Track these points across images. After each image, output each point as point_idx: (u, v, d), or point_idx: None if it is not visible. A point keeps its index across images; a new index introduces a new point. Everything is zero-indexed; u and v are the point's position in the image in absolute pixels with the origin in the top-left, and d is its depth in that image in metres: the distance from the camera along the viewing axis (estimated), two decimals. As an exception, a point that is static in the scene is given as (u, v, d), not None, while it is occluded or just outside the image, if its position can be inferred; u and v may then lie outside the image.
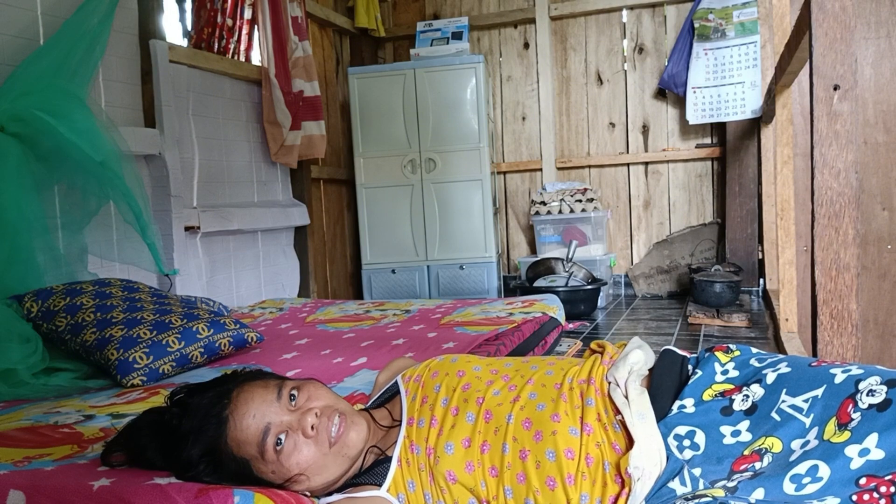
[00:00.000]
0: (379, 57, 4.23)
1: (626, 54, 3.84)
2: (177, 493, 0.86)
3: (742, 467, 0.80)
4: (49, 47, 2.04)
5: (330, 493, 0.98)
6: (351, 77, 3.61)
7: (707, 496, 0.77)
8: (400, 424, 1.03)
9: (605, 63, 3.88)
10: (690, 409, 0.89)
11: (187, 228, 2.64)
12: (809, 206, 1.29)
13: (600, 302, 3.40)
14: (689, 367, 0.98)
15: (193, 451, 0.90)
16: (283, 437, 0.90)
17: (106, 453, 0.99)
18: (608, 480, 0.87)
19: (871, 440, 0.72)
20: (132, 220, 2.22)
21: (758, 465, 0.79)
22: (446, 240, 3.61)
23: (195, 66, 2.78)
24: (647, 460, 0.84)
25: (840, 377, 0.81)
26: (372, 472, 0.98)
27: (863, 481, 0.71)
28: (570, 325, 2.98)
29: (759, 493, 0.75)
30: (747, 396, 0.87)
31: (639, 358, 0.98)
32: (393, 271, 3.66)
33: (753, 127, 3.46)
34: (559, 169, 3.98)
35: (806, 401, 0.81)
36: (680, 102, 3.67)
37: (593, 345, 1.11)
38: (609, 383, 0.95)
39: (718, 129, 3.67)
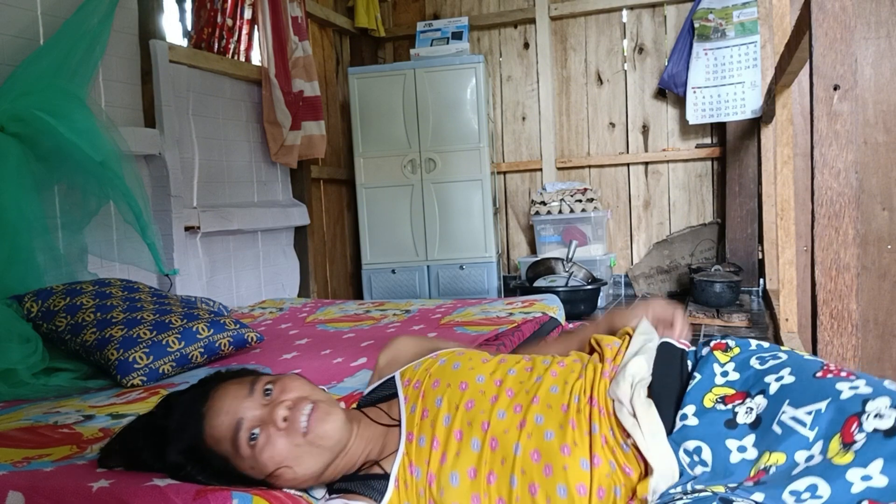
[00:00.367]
0: (379, 57, 4.23)
1: (626, 54, 3.84)
2: (175, 495, 0.86)
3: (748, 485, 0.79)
4: (49, 47, 2.04)
5: (330, 489, 0.97)
6: (351, 77, 3.61)
7: (707, 491, 0.77)
8: (398, 425, 1.01)
9: (605, 63, 3.88)
10: (693, 421, 0.86)
11: (187, 228, 2.64)
12: (809, 206, 1.29)
13: (600, 302, 3.40)
14: (689, 362, 0.97)
15: (177, 451, 0.91)
16: (257, 431, 0.90)
17: (103, 458, 0.99)
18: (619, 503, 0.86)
19: (876, 466, 0.70)
20: (132, 220, 2.22)
21: (763, 478, 0.78)
22: (446, 240, 3.61)
23: (195, 66, 2.78)
24: (663, 482, 0.82)
25: (847, 393, 0.78)
26: (369, 484, 0.96)
27: None
28: (570, 325, 2.98)
29: (758, 496, 0.74)
30: (751, 409, 0.84)
31: (639, 368, 0.95)
32: (393, 271, 3.66)
33: (753, 127, 3.46)
34: (559, 169, 3.98)
35: (809, 413, 0.79)
36: (680, 102, 3.67)
37: (592, 340, 1.08)
38: (613, 400, 0.92)
39: (718, 129, 3.67)
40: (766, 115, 3.06)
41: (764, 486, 0.75)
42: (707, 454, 0.83)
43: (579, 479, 0.86)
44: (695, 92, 3.49)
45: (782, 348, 0.93)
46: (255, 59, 3.21)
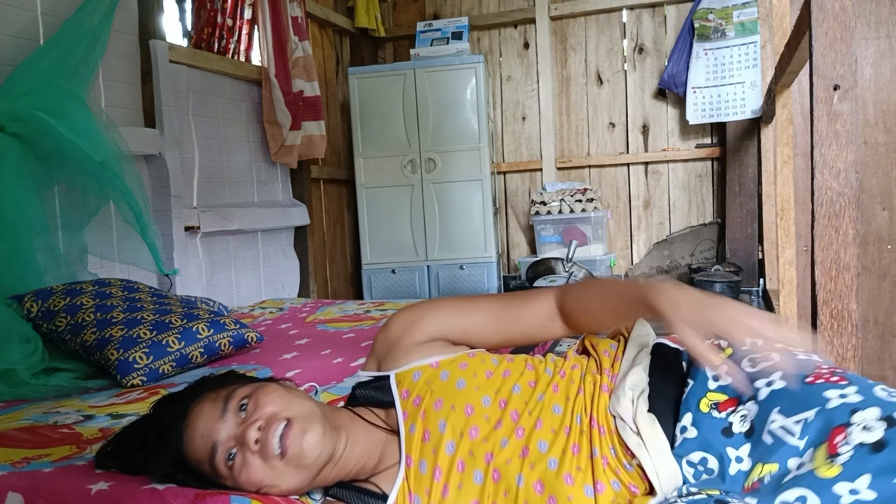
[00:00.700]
0: (379, 57, 4.23)
1: (626, 54, 3.84)
2: (174, 499, 0.86)
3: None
4: (49, 47, 2.04)
5: (326, 490, 0.97)
6: (351, 77, 3.61)
7: (702, 494, 0.76)
8: (396, 433, 0.98)
9: (605, 63, 3.88)
10: (693, 432, 0.85)
11: (187, 228, 2.64)
12: (809, 206, 1.29)
13: (600, 302, 3.39)
14: (684, 364, 0.96)
15: (163, 465, 0.90)
16: (234, 451, 0.87)
17: (99, 460, 0.99)
18: None
19: (863, 481, 0.69)
20: (132, 220, 2.22)
21: (758, 488, 0.77)
22: (446, 240, 3.61)
23: (195, 66, 2.78)
24: (664, 496, 0.82)
25: (834, 401, 0.77)
26: (365, 501, 0.95)
27: None
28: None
29: (751, 501, 0.74)
30: (745, 416, 0.83)
31: (638, 380, 0.93)
32: (393, 271, 3.66)
33: (753, 127, 3.46)
34: (559, 169, 3.97)
35: (798, 422, 0.77)
36: (680, 102, 3.67)
37: (587, 343, 1.07)
38: (614, 417, 0.90)
39: (718, 129, 3.67)
40: (766, 115, 3.06)
41: (757, 493, 0.75)
42: (713, 463, 0.82)
43: None
44: (695, 92, 3.49)
45: (776, 345, 0.90)
46: (255, 59, 3.21)
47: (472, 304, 1.09)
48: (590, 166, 3.93)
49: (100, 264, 2.28)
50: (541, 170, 3.96)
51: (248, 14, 3.11)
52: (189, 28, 3.00)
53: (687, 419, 0.86)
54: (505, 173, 4.08)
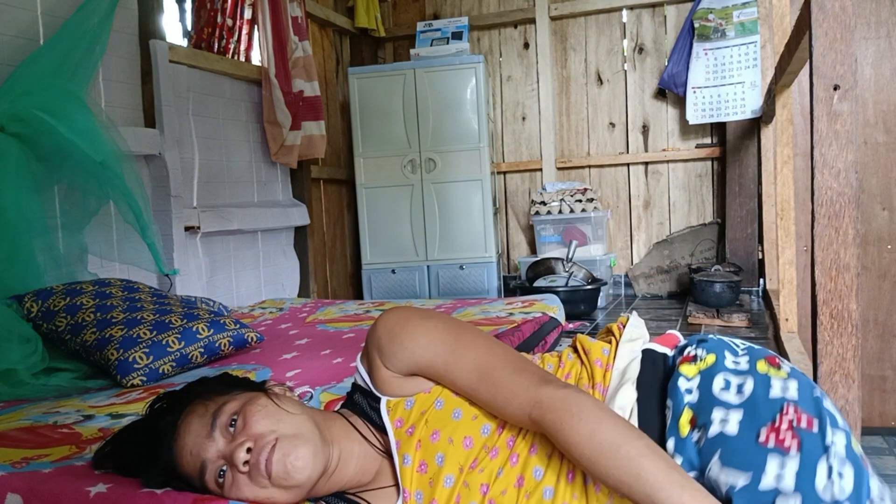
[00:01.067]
0: (379, 57, 4.23)
1: (626, 54, 3.84)
2: (172, 502, 0.87)
3: None
4: (49, 47, 2.04)
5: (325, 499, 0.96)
6: (351, 77, 3.61)
7: None
8: (388, 455, 0.97)
9: (605, 63, 3.88)
10: (678, 459, 0.83)
11: (187, 228, 2.64)
12: (809, 206, 1.29)
13: (600, 302, 3.40)
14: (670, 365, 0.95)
15: (155, 476, 0.90)
16: (225, 468, 0.87)
17: (97, 461, 0.99)
18: None
19: None
20: (132, 220, 2.22)
21: None
22: (446, 240, 3.60)
23: (195, 66, 2.78)
24: None
25: (768, 479, 0.74)
26: None
27: None
28: (570, 325, 2.98)
29: None
30: (696, 441, 0.82)
31: (628, 398, 0.91)
32: (393, 271, 3.66)
33: (753, 127, 3.46)
34: (559, 169, 3.97)
35: (726, 483, 0.76)
36: (680, 102, 3.67)
37: (577, 344, 1.03)
38: None
39: (718, 129, 3.67)
40: (766, 115, 3.06)
41: None
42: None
43: None
44: (695, 92, 3.49)
45: (757, 367, 0.86)
46: (255, 59, 3.21)
47: (460, 352, 0.93)
48: (590, 166, 3.93)
49: (100, 264, 2.29)
50: (541, 170, 3.96)
51: (248, 14, 3.11)
52: (189, 28, 3.00)
53: (670, 445, 0.85)
54: (505, 173, 4.08)
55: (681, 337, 1.02)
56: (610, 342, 1.02)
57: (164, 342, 1.71)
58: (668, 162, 3.79)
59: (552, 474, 0.88)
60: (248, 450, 0.86)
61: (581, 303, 3.21)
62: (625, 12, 3.81)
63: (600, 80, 3.89)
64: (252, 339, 1.92)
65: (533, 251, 3.99)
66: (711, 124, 3.67)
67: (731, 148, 3.54)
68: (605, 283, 3.40)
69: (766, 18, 3.34)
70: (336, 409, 1.08)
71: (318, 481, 0.91)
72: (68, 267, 2.10)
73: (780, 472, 0.74)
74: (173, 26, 2.94)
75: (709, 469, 0.78)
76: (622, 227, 3.90)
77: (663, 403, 0.90)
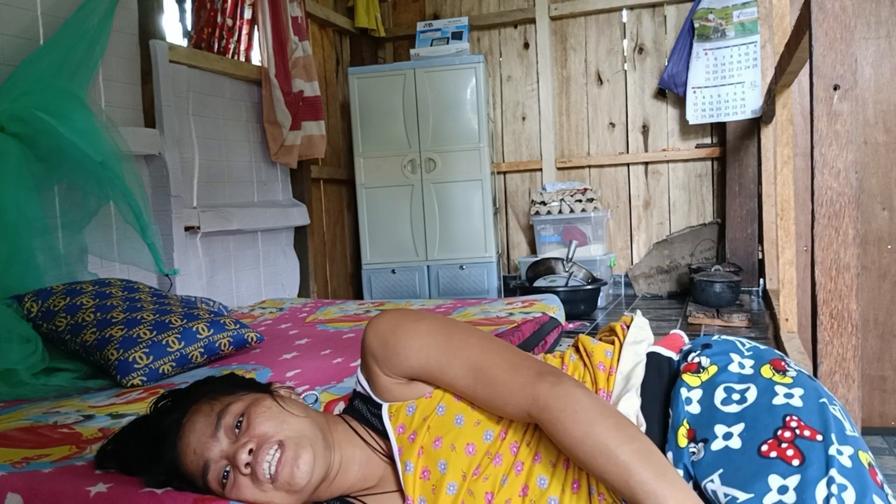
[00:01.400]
0: (379, 57, 4.23)
1: (626, 54, 3.84)
2: (172, 502, 0.87)
3: None
4: (49, 47, 2.04)
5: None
6: (351, 77, 3.61)
7: None
8: (391, 460, 0.96)
9: (605, 63, 3.88)
10: (679, 472, 0.82)
11: (187, 228, 2.64)
12: (809, 206, 1.29)
13: (600, 302, 3.40)
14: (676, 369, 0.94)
15: (157, 475, 0.90)
16: (228, 469, 0.87)
17: (99, 460, 0.99)
18: None
19: None
20: (132, 220, 2.22)
21: None
22: (446, 240, 3.60)
23: (195, 66, 2.78)
24: None
25: (770, 498, 0.73)
26: None
27: None
28: (570, 325, 2.98)
29: None
30: (693, 454, 0.82)
31: (631, 405, 0.90)
32: (393, 271, 3.66)
33: (753, 127, 3.46)
34: (559, 169, 3.97)
35: (727, 496, 0.76)
36: (680, 102, 3.67)
37: (580, 345, 1.02)
38: None
39: (718, 129, 3.67)
40: (766, 115, 3.06)
41: None
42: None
43: None
44: (695, 92, 3.49)
45: (762, 372, 0.86)
46: (255, 59, 3.21)
47: (454, 353, 0.92)
48: (590, 166, 3.93)
49: (100, 264, 2.29)
50: (541, 170, 3.96)
51: (248, 14, 3.11)
52: (189, 28, 3.00)
53: (669, 456, 0.85)
54: (505, 173, 4.08)
55: (685, 338, 1.01)
56: (613, 342, 1.01)
57: (164, 342, 1.71)
58: (668, 162, 3.79)
59: (557, 484, 0.87)
60: (251, 451, 0.86)
61: (581, 303, 3.21)
62: (625, 12, 3.81)
63: (600, 80, 3.89)
64: (252, 339, 1.92)
65: (533, 251, 3.99)
66: (711, 124, 3.67)
67: (731, 148, 3.54)
68: (605, 283, 3.40)
69: (766, 18, 3.34)
70: (336, 412, 1.08)
71: (320, 486, 0.91)
72: (68, 267, 2.10)
73: (781, 487, 0.74)
74: (173, 26, 2.94)
75: (709, 481, 0.78)
76: (622, 227, 3.90)
77: (667, 409, 0.90)
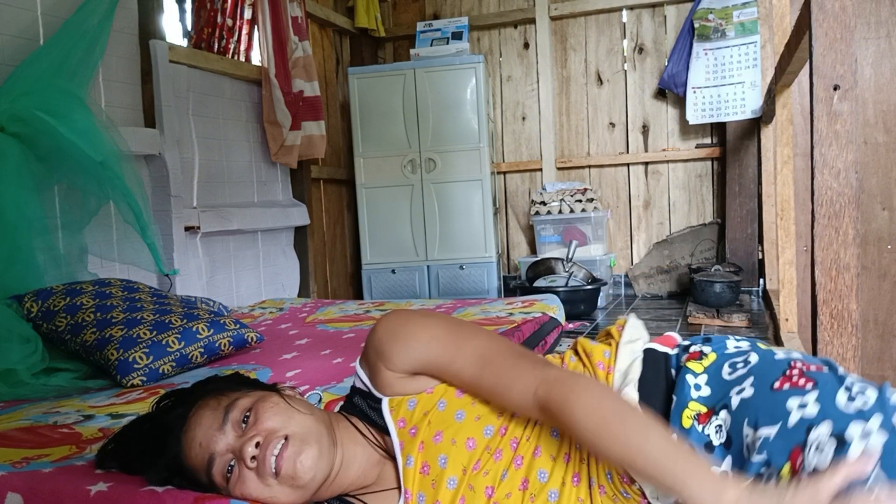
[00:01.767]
0: (379, 57, 4.23)
1: (626, 54, 3.84)
2: (173, 501, 0.86)
3: None
4: (49, 47, 2.04)
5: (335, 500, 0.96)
6: (351, 77, 3.61)
7: None
8: (393, 458, 0.97)
9: (605, 63, 3.88)
10: None
11: (187, 228, 2.64)
12: (809, 206, 1.29)
13: (600, 302, 3.40)
14: (672, 370, 0.94)
15: (160, 470, 0.90)
16: (233, 463, 0.87)
17: (100, 459, 0.99)
18: None
19: None
20: (132, 220, 2.22)
21: None
22: (446, 240, 3.60)
23: (195, 66, 2.78)
24: None
25: (794, 416, 0.75)
26: None
27: None
28: (570, 325, 2.98)
29: None
30: (720, 427, 0.82)
31: (629, 400, 0.90)
32: (393, 271, 3.66)
33: (753, 127, 3.46)
34: (559, 169, 3.97)
35: (759, 438, 0.77)
36: (680, 102, 3.67)
37: (578, 347, 1.03)
38: None
39: (718, 129, 3.67)
40: (766, 115, 3.06)
41: None
42: None
43: None
44: (695, 92, 3.49)
45: (759, 345, 0.89)
46: (255, 59, 3.21)
47: (462, 343, 0.94)
48: (590, 166, 3.93)
49: (100, 264, 2.29)
50: (541, 170, 3.96)
51: (248, 14, 3.11)
52: (189, 28, 3.00)
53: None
54: (505, 173, 4.08)
55: (679, 339, 1.02)
56: (610, 345, 1.02)
57: (164, 342, 1.71)
58: (668, 162, 3.79)
59: (557, 477, 0.88)
60: (258, 444, 0.87)
61: (581, 303, 3.21)
62: (625, 12, 3.81)
63: (600, 80, 3.89)
64: (252, 339, 1.92)
65: (533, 251, 3.99)
66: (711, 124, 3.67)
67: (731, 148, 3.54)
68: (605, 283, 3.40)
69: (766, 18, 3.34)
70: (336, 409, 1.08)
71: (323, 484, 0.91)
72: (68, 267, 2.10)
73: (802, 404, 0.75)
74: (173, 26, 2.94)
75: (745, 435, 0.79)
76: (622, 227, 3.90)
77: (665, 403, 0.90)
